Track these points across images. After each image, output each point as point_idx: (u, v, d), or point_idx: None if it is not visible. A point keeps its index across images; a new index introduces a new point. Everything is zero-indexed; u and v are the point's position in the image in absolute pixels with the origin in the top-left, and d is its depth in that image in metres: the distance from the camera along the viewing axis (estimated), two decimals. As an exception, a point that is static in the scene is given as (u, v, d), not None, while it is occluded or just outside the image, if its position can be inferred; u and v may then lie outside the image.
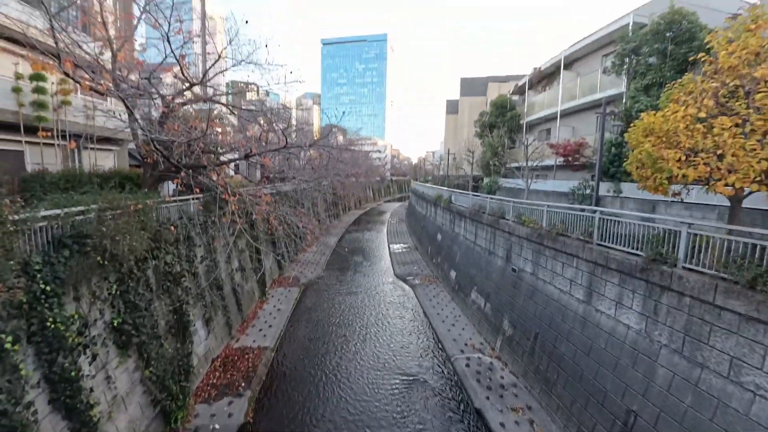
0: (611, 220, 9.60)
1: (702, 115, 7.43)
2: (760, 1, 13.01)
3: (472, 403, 11.12)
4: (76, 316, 7.29)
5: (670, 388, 7.06)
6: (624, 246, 9.04)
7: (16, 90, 11.02)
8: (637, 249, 8.63)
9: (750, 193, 7.42)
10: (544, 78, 29.60)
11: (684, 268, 7.40)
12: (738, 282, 6.18)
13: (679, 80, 8.85)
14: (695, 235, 7.42)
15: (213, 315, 13.36)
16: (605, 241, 9.67)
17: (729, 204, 8.33)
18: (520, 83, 33.64)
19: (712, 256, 6.98)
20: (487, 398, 10.98)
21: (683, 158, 7.45)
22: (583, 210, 11.05)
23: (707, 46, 8.39)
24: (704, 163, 7.09)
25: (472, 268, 18.48)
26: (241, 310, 16.15)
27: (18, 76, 11.16)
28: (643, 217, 9.82)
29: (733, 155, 6.65)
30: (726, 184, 6.91)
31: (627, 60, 17.15)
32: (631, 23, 17.96)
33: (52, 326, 6.54)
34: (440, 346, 14.86)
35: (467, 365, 12.88)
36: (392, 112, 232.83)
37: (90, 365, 7.53)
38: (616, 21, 19.92)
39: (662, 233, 8.18)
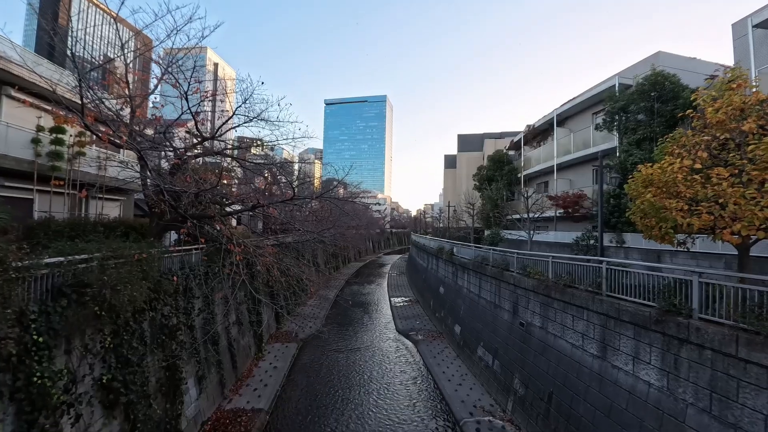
0: (619, 270, 9.47)
1: (698, 166, 7.69)
2: (734, 63, 14.12)
3: (486, 474, 10.10)
4: (65, 371, 6.87)
5: (703, 455, 6.46)
6: (635, 297, 8.83)
7: (35, 141, 11.51)
8: (648, 300, 8.42)
9: (757, 240, 7.42)
10: (538, 134, 31.04)
11: (700, 318, 7.16)
12: (760, 333, 5.94)
13: (671, 134, 9.27)
14: (707, 284, 7.28)
15: (206, 372, 12.62)
16: (615, 292, 9.46)
17: (736, 252, 8.29)
18: (516, 139, 35.19)
19: (728, 306, 6.79)
20: (502, 468, 10.00)
21: (686, 207, 7.56)
22: (588, 260, 10.95)
23: (693, 104, 8.92)
24: (707, 212, 7.17)
25: (478, 322, 17.85)
26: (235, 367, 15.30)
27: (39, 129, 11.72)
28: (650, 266, 9.71)
29: (734, 203, 6.76)
30: (732, 233, 6.94)
31: (617, 117, 18.11)
32: (617, 84, 19.26)
33: (39, 382, 6.14)
34: (447, 409, 13.84)
35: (477, 430, 11.90)
36: (392, 166, 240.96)
37: (72, 427, 6.95)
38: (603, 83, 21.39)
39: (673, 283, 8.03)
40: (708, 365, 6.73)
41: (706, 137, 8.09)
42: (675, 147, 8.66)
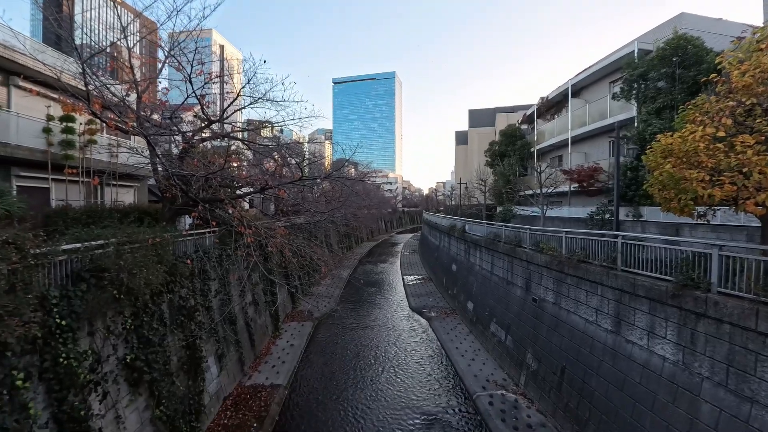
0: (635, 244, 9.24)
1: (721, 134, 7.28)
2: (763, 22, 13.16)
3: (498, 445, 10.35)
4: (90, 352, 7.19)
5: (717, 427, 6.43)
6: (651, 271, 8.64)
7: (46, 131, 11.68)
8: (665, 274, 8.23)
9: (782, 211, 7.07)
10: (552, 107, 29.98)
11: (719, 292, 6.98)
12: (782, 306, 5.75)
13: (693, 101, 8.79)
14: (727, 257, 7.05)
15: (226, 351, 13.07)
16: (630, 267, 9.27)
17: (759, 224, 7.96)
18: (528, 113, 34.12)
19: (748, 280, 6.58)
20: (514, 440, 10.21)
21: (707, 178, 7.23)
22: (603, 235, 10.71)
23: (718, 67, 8.39)
24: (730, 182, 6.84)
25: (490, 298, 17.89)
26: (254, 346, 15.81)
27: (49, 118, 11.87)
28: (668, 240, 9.43)
29: (759, 173, 6.43)
30: (756, 203, 6.63)
31: (635, 85, 17.27)
32: (636, 50, 18.27)
33: (65, 362, 6.44)
34: (461, 383, 14.10)
35: (490, 403, 12.12)
36: (402, 145, 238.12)
37: (100, 404, 7.33)
38: (621, 49, 20.32)
39: (691, 257, 7.80)
40: (726, 339, 6.60)
41: (731, 103, 7.61)
42: (697, 114, 8.21)
